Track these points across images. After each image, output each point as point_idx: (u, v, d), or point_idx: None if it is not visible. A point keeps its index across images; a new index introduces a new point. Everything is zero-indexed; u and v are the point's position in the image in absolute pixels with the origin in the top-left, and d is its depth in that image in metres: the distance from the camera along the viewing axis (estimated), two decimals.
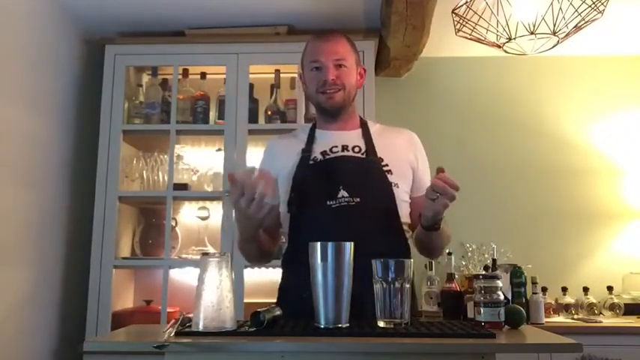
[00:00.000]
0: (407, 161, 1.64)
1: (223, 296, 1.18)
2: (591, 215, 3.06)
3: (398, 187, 1.58)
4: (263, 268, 2.70)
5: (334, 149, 1.62)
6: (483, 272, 2.51)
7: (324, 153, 1.61)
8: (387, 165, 1.59)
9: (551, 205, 3.08)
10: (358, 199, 1.52)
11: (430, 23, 2.58)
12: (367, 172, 1.55)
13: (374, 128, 1.69)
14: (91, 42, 2.94)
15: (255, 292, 2.67)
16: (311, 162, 1.60)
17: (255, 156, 2.63)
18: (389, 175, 1.57)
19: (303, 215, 1.55)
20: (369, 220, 1.51)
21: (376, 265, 1.24)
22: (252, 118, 2.80)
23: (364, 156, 1.60)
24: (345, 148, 1.61)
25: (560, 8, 2.02)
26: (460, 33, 2.25)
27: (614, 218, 3.05)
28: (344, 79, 1.60)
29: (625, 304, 2.77)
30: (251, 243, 1.56)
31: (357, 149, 1.61)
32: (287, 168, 1.61)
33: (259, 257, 1.64)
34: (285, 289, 1.62)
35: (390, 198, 1.55)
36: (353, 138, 1.64)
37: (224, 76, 2.81)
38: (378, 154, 1.60)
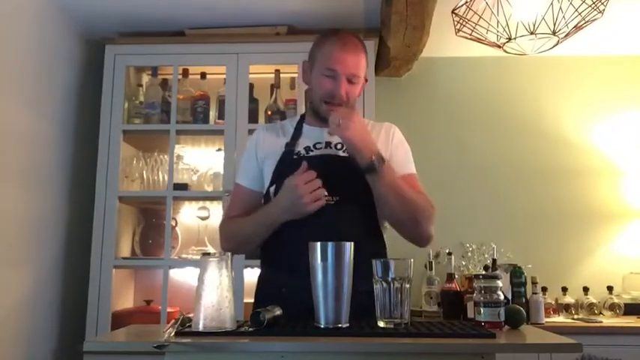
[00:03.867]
0: (384, 153, 1.63)
1: (223, 296, 1.18)
2: (591, 215, 3.06)
3: None
4: None
5: (318, 145, 1.63)
6: (483, 272, 2.51)
7: (307, 148, 1.62)
8: None
9: (551, 205, 3.08)
10: (338, 198, 1.53)
11: (430, 23, 2.58)
12: (348, 171, 1.55)
13: None
14: (91, 42, 2.94)
15: None
16: (294, 157, 1.61)
17: None
18: None
19: None
20: (347, 218, 1.52)
21: (376, 265, 1.25)
22: (252, 118, 2.80)
23: (347, 153, 1.59)
24: (328, 144, 1.63)
25: (560, 8, 2.01)
26: (460, 33, 2.25)
27: (614, 218, 3.05)
28: (351, 95, 1.60)
29: (625, 304, 2.76)
30: (251, 244, 1.61)
31: (339, 146, 1.62)
32: (270, 160, 1.63)
33: (251, 252, 1.69)
34: (263, 281, 1.65)
35: (368, 197, 1.55)
36: None
37: (224, 76, 2.81)
38: None
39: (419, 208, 1.54)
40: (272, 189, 1.60)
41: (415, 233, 1.58)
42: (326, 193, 1.47)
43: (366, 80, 1.70)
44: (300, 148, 1.63)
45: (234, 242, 1.63)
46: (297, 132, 1.67)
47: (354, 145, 1.48)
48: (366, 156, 1.48)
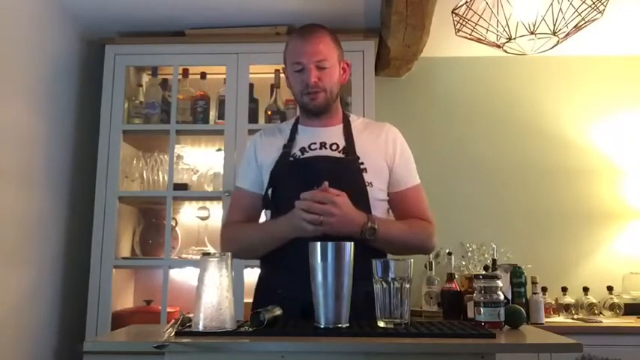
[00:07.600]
0: (383, 158, 1.64)
1: (223, 296, 1.18)
2: (591, 215, 3.06)
3: (372, 185, 1.59)
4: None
5: (312, 146, 1.63)
6: (483, 272, 2.51)
7: (302, 149, 1.63)
8: (362, 163, 1.60)
9: (551, 205, 3.08)
10: None
11: (430, 23, 2.58)
12: (342, 173, 1.56)
13: (356, 123, 1.71)
14: (91, 42, 2.93)
15: None
16: (290, 159, 1.62)
17: None
18: (364, 174, 1.58)
19: (277, 213, 1.57)
20: None
21: (376, 265, 1.25)
22: (252, 118, 2.80)
23: (341, 154, 1.61)
24: (323, 145, 1.63)
25: (560, 8, 2.02)
26: (460, 33, 2.25)
27: (614, 218, 3.05)
28: (325, 81, 1.61)
29: (625, 304, 2.76)
30: (255, 252, 1.63)
31: (334, 147, 1.63)
32: (267, 163, 1.64)
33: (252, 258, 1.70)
34: (262, 280, 1.66)
35: (363, 198, 1.55)
36: (333, 134, 1.66)
37: (224, 76, 2.81)
38: (356, 151, 1.61)
39: (417, 239, 1.61)
40: (270, 192, 1.60)
41: (418, 253, 1.67)
42: (322, 219, 1.43)
43: (348, 64, 1.70)
44: (295, 149, 1.64)
45: (237, 248, 1.61)
46: (293, 133, 1.69)
47: (341, 231, 1.43)
48: (357, 232, 1.46)
